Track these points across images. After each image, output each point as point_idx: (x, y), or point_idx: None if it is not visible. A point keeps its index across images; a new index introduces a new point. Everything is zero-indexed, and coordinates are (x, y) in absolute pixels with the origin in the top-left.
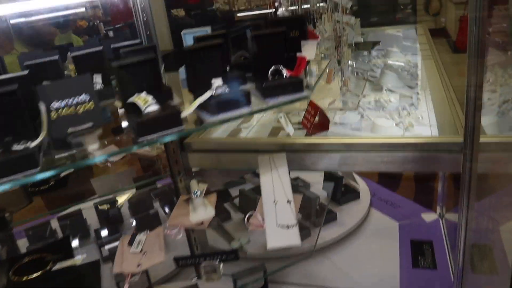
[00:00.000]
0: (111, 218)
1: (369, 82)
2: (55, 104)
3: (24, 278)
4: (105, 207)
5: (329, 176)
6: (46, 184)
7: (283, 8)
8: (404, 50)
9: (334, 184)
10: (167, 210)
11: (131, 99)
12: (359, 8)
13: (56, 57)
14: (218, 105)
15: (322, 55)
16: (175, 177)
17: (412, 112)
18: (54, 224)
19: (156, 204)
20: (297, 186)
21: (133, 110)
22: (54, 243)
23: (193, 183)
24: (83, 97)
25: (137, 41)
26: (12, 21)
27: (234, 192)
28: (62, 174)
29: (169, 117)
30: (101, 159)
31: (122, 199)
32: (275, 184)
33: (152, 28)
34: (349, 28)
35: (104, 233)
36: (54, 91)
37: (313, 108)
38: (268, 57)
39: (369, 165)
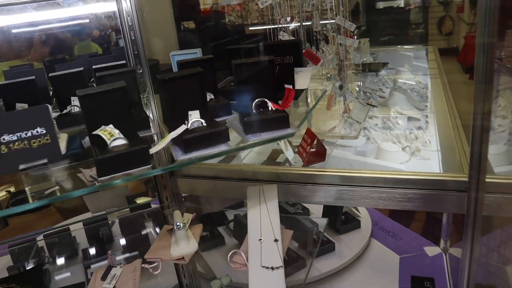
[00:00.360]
0: (100, 238)
1: (377, 103)
2: (6, 137)
3: None
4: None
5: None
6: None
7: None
8: (415, 70)
9: (334, 212)
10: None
11: (96, 131)
12: (370, 27)
13: (31, 77)
14: (192, 141)
15: (329, 75)
16: (163, 202)
17: (419, 136)
18: (41, 242)
19: (149, 225)
20: (295, 212)
21: (99, 143)
22: (24, 273)
23: (177, 214)
24: (39, 130)
25: (122, 62)
26: (30, 29)
27: (232, 215)
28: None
29: (135, 154)
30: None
31: (113, 217)
32: (262, 220)
33: (140, 48)
34: (353, 51)
35: (92, 252)
36: (6, 123)
37: (310, 137)
38: (252, 87)
39: (366, 201)
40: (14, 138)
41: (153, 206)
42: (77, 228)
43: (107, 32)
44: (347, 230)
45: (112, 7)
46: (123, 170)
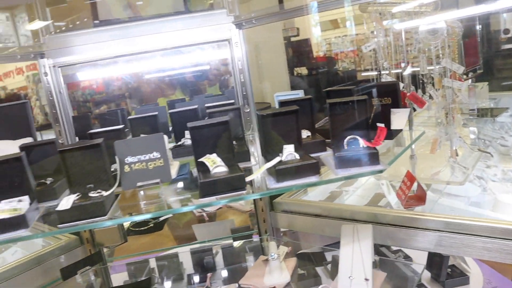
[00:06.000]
0: (204, 265)
1: (497, 152)
2: (129, 159)
3: None
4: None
5: (434, 254)
6: (145, 225)
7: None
8: None
9: (439, 264)
10: None
11: (201, 159)
12: (492, 70)
13: (155, 113)
14: (284, 172)
15: (439, 120)
16: (262, 235)
17: None
18: (153, 263)
19: (249, 258)
20: (395, 260)
21: (203, 169)
22: (137, 283)
23: (272, 245)
24: (155, 154)
25: (231, 101)
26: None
27: (331, 257)
28: (161, 218)
29: (233, 179)
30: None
31: (217, 248)
32: (354, 258)
33: (249, 89)
34: (464, 95)
35: (196, 279)
36: (129, 147)
37: (409, 179)
38: (346, 125)
39: (468, 250)
40: (135, 160)
41: (254, 239)
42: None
43: (222, 77)
44: (453, 285)
45: (225, 54)
46: (221, 193)
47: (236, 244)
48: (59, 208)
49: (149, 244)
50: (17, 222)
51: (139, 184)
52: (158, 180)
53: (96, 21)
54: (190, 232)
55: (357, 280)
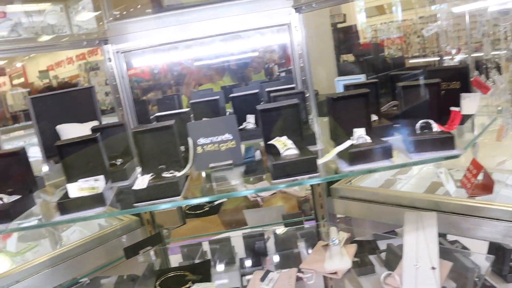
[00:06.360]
0: (256, 250)
1: None
2: (201, 140)
3: None
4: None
5: (495, 246)
6: (201, 209)
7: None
8: None
9: (501, 256)
10: (310, 252)
11: (271, 141)
12: None
13: (217, 97)
14: (356, 155)
15: (500, 107)
16: (318, 221)
17: None
18: (206, 246)
19: (301, 244)
20: (453, 251)
21: (273, 152)
22: (196, 264)
23: (333, 230)
24: (227, 136)
25: (292, 85)
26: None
27: (383, 245)
28: (216, 202)
29: (304, 162)
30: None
31: (269, 233)
32: (419, 246)
33: (308, 74)
34: None
35: (248, 263)
36: (202, 129)
37: (475, 167)
38: (417, 109)
39: None
40: (208, 141)
41: (306, 226)
42: (236, 237)
43: (266, 64)
44: None
45: (284, 38)
46: (293, 176)
47: (288, 230)
48: (135, 187)
49: (201, 227)
50: (95, 200)
51: (211, 165)
52: (230, 161)
53: (158, 7)
54: (240, 218)
55: (423, 268)
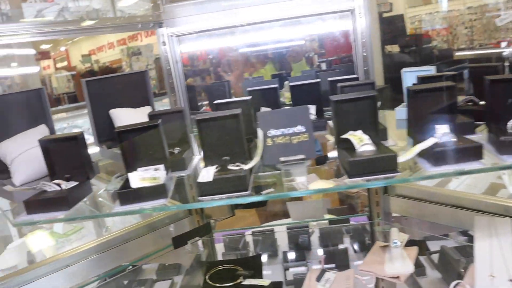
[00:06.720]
0: (300, 244)
1: None
2: (272, 132)
3: (218, 285)
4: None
5: None
6: None
7: None
8: None
9: None
10: (356, 249)
11: (345, 135)
12: None
13: (276, 85)
14: (443, 155)
15: None
16: (373, 219)
17: None
18: (248, 237)
19: (347, 240)
20: None
21: (346, 147)
22: (247, 259)
23: (394, 232)
24: (299, 128)
25: (354, 76)
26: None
27: (432, 246)
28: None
29: (385, 160)
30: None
31: (314, 227)
32: (493, 255)
33: (370, 64)
34: None
35: (291, 256)
36: (273, 119)
37: None
38: (507, 107)
39: None
40: (278, 133)
41: (351, 223)
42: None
43: (306, 53)
44: None
45: (347, 25)
46: (371, 174)
47: (334, 225)
48: (200, 179)
49: (245, 219)
50: (157, 192)
51: (282, 159)
52: (303, 156)
53: None
54: (284, 210)
55: (500, 280)
